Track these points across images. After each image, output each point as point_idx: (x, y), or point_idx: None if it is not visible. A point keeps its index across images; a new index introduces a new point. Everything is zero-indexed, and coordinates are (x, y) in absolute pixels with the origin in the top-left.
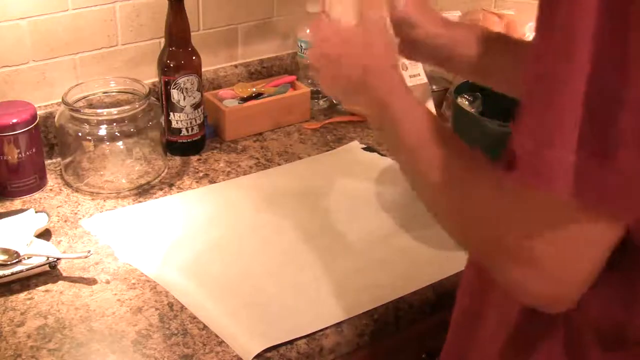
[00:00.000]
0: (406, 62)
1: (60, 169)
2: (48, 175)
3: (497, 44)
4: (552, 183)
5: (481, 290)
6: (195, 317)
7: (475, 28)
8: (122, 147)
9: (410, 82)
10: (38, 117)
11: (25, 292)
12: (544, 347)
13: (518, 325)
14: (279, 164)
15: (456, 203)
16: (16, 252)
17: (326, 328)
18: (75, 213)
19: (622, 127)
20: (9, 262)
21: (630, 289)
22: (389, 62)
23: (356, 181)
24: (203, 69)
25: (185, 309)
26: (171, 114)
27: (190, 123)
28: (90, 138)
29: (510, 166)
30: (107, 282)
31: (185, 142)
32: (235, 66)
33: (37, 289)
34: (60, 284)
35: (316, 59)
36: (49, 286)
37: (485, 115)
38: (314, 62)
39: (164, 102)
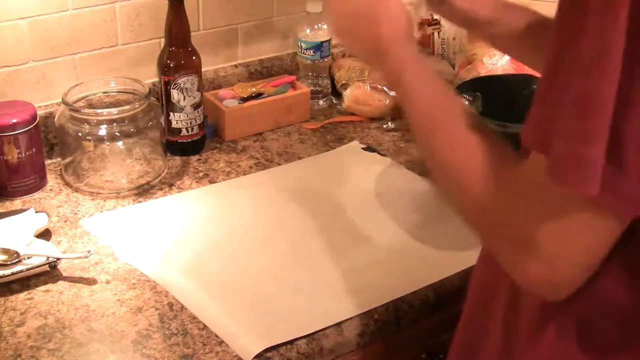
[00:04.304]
0: None
1: (60, 169)
2: (48, 175)
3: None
4: (587, 184)
5: (492, 281)
6: (195, 317)
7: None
8: (122, 147)
9: None
10: (38, 117)
11: (25, 292)
12: (554, 336)
13: (528, 315)
14: (279, 164)
15: (462, 189)
16: (16, 252)
17: (326, 328)
18: (75, 213)
19: (632, 129)
20: (9, 262)
21: None
22: (401, 29)
23: (356, 181)
24: (203, 69)
25: (185, 309)
26: (171, 114)
27: (190, 123)
28: (90, 138)
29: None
30: (107, 282)
31: (185, 142)
32: (235, 66)
33: (37, 289)
34: (60, 284)
35: (338, 25)
36: (49, 286)
37: (485, 115)
38: (337, 26)
39: (164, 102)
